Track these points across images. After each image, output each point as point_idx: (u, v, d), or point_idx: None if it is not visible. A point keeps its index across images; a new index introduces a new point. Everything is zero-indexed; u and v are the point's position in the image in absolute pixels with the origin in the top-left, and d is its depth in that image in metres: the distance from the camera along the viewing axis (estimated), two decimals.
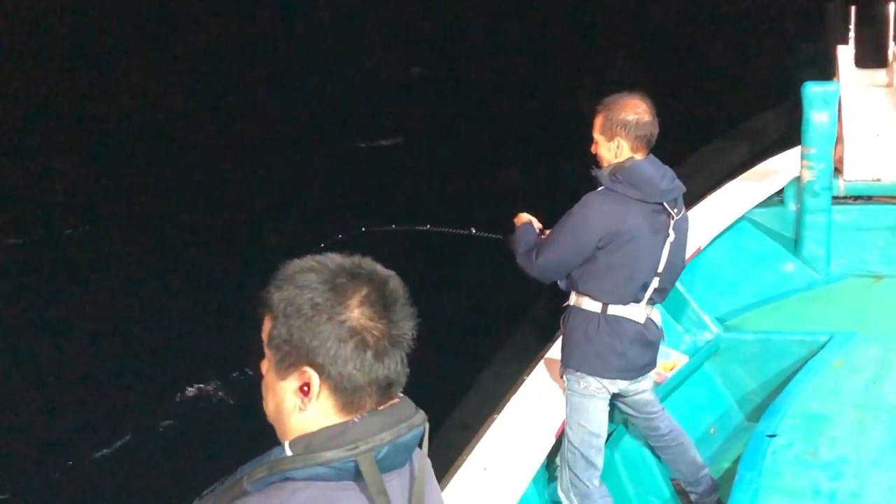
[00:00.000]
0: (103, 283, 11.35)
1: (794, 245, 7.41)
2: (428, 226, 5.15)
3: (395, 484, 1.78)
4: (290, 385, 1.77)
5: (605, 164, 4.32)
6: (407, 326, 1.80)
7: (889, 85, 8.10)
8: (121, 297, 11.00)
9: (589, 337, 4.28)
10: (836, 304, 6.83)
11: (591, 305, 4.29)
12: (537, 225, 4.58)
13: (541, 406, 4.71)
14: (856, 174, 7.53)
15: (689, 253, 6.30)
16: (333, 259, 1.81)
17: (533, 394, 4.83)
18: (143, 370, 9.30)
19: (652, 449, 4.94)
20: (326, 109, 18.51)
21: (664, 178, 4.28)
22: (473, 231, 4.96)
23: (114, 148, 16.46)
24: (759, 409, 5.62)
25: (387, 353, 1.76)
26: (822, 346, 5.80)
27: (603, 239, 4.14)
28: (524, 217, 4.62)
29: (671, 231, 4.27)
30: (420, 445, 1.84)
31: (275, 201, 14.05)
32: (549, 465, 4.77)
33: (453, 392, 7.90)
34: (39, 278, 11.66)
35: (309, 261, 1.81)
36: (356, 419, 1.73)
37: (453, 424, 7.05)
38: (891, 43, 8.26)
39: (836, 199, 7.40)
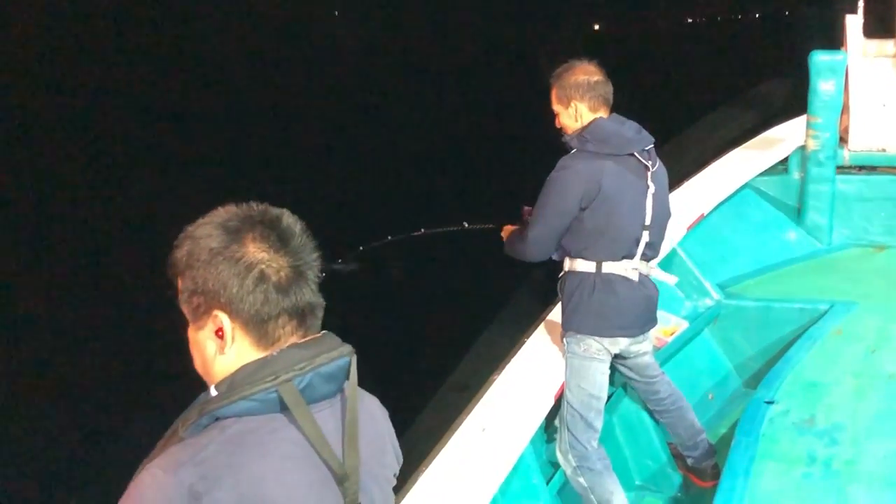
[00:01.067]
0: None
1: (798, 214, 7.41)
2: (422, 230, 5.17)
3: (327, 413, 1.83)
4: (206, 333, 1.84)
5: (569, 132, 4.35)
6: (308, 257, 1.86)
7: None
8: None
9: (586, 298, 4.30)
10: (837, 274, 6.83)
11: (585, 266, 4.31)
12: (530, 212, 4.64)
13: (540, 368, 4.72)
14: (861, 144, 7.51)
15: (692, 219, 6.33)
16: (227, 209, 1.88)
17: (533, 356, 4.85)
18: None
19: (650, 412, 4.97)
20: None
21: (629, 129, 4.32)
22: (466, 225, 5.01)
23: None
24: (758, 375, 5.65)
25: (291, 284, 1.82)
26: (822, 315, 5.81)
27: (584, 198, 4.15)
28: (508, 228, 4.69)
29: (650, 183, 4.29)
30: (348, 377, 1.87)
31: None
32: (548, 426, 4.80)
33: (453, 353, 7.93)
34: None
35: (204, 217, 1.87)
36: (274, 353, 1.79)
37: (452, 385, 7.08)
38: None
39: (841, 169, 7.39)
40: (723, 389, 5.98)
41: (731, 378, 6.09)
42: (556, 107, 4.39)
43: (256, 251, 1.79)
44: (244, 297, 1.78)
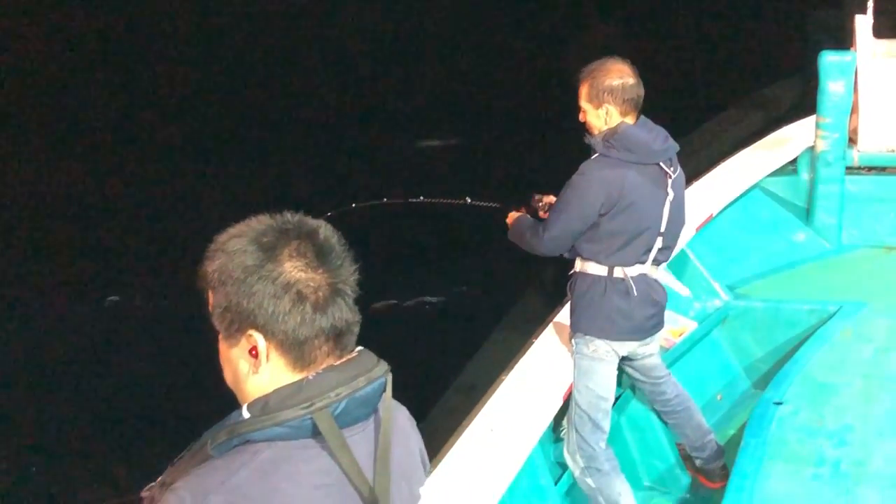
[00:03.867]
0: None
1: (807, 214, 7.40)
2: (420, 197, 5.09)
3: (359, 438, 1.78)
4: (240, 351, 1.78)
5: (595, 131, 4.30)
6: (346, 273, 1.79)
7: None
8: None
9: (596, 300, 4.30)
10: (846, 275, 6.82)
11: (596, 269, 4.30)
12: (540, 201, 4.63)
13: (549, 368, 4.72)
14: (870, 145, 7.50)
15: (701, 220, 6.33)
16: (261, 220, 1.81)
17: (541, 356, 4.85)
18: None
19: (658, 414, 4.97)
20: None
21: (657, 138, 4.27)
22: (469, 201, 4.95)
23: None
24: (767, 376, 5.64)
25: (329, 303, 1.75)
26: (832, 316, 5.80)
27: (605, 205, 4.14)
28: (514, 214, 4.66)
29: (669, 190, 4.27)
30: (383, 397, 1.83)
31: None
32: (556, 427, 4.80)
33: (462, 353, 7.93)
34: None
35: (237, 227, 1.81)
36: (310, 377, 1.73)
37: (461, 386, 7.08)
38: None
39: (850, 170, 7.38)
40: (731, 390, 5.97)
41: (740, 379, 6.08)
42: (586, 104, 4.30)
43: (293, 270, 1.73)
44: (281, 319, 1.72)
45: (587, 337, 4.35)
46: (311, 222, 1.82)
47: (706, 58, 18.22)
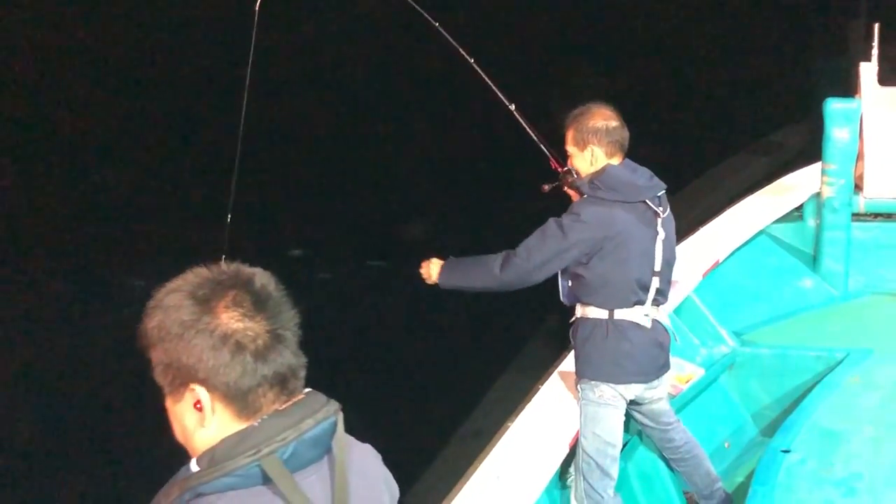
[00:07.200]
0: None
1: (813, 261, 7.40)
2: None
3: (314, 479, 1.77)
4: (185, 406, 1.78)
5: (582, 175, 4.37)
6: (285, 318, 1.79)
7: None
8: None
9: (599, 344, 4.29)
10: (853, 322, 6.81)
11: (596, 314, 4.30)
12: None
13: (555, 415, 4.71)
14: (876, 192, 7.51)
15: (707, 265, 6.33)
16: (196, 273, 1.80)
17: (547, 403, 4.84)
18: None
19: (666, 461, 4.93)
20: None
21: (642, 176, 4.34)
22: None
23: None
24: (774, 424, 5.61)
25: (270, 350, 1.75)
26: (839, 363, 5.78)
27: (593, 246, 4.17)
28: (434, 260, 4.49)
29: (660, 229, 4.31)
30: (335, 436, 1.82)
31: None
32: (563, 474, 4.77)
33: (467, 400, 7.91)
34: None
35: (173, 282, 1.81)
36: (255, 424, 1.73)
37: (466, 432, 7.06)
38: None
39: (856, 216, 7.39)
40: (739, 438, 5.94)
41: (748, 426, 6.06)
42: (572, 148, 4.39)
43: (230, 321, 1.73)
44: (221, 370, 1.72)
45: (593, 382, 4.34)
46: (247, 271, 1.82)
47: (713, 105, 18.30)
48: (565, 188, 4.56)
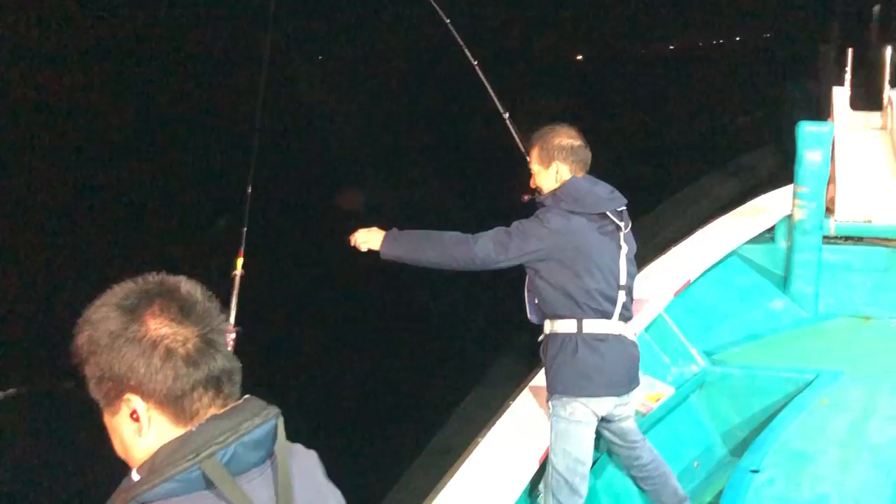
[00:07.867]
0: None
1: (784, 282, 7.44)
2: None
3: (258, 483, 1.77)
4: (122, 418, 1.78)
5: (544, 192, 4.46)
6: (215, 322, 1.80)
7: (883, 128, 8.17)
8: None
9: (569, 359, 4.30)
10: (823, 343, 6.84)
11: (565, 328, 4.32)
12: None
13: (525, 431, 4.69)
14: (847, 215, 7.57)
15: (678, 285, 6.34)
16: (123, 285, 1.81)
17: (517, 419, 4.82)
18: None
19: (634, 479, 4.93)
20: None
21: (603, 189, 4.42)
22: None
23: None
24: (743, 444, 5.62)
25: (201, 354, 1.75)
26: (808, 384, 5.80)
27: (553, 250, 4.22)
28: (374, 229, 4.41)
29: (623, 244, 4.37)
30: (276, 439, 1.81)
31: None
32: (532, 491, 4.76)
33: (437, 416, 7.88)
34: None
35: (101, 297, 1.81)
36: (194, 429, 1.73)
37: (436, 448, 7.03)
38: (886, 86, 8.33)
39: (827, 239, 7.44)
40: (708, 457, 5.95)
41: (717, 446, 6.06)
42: (536, 167, 4.48)
43: (158, 327, 1.73)
44: (153, 377, 1.72)
45: (564, 398, 4.33)
46: (172, 280, 1.83)
47: (686, 126, 18.44)
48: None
